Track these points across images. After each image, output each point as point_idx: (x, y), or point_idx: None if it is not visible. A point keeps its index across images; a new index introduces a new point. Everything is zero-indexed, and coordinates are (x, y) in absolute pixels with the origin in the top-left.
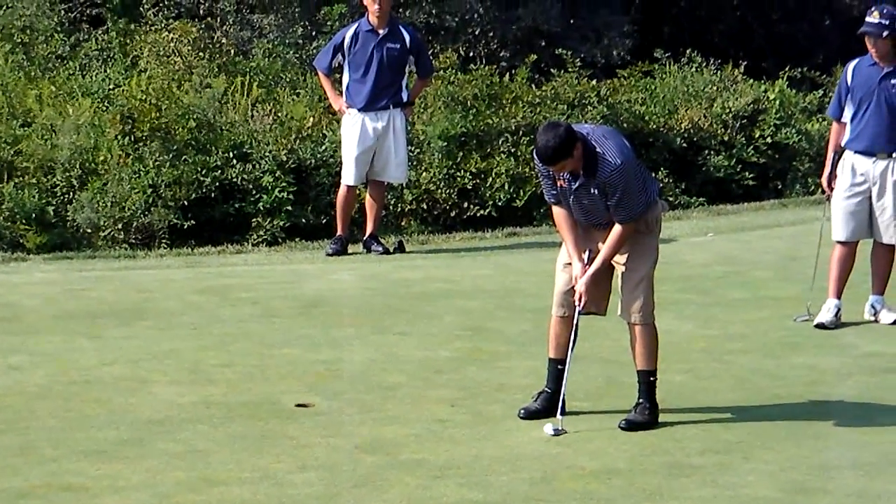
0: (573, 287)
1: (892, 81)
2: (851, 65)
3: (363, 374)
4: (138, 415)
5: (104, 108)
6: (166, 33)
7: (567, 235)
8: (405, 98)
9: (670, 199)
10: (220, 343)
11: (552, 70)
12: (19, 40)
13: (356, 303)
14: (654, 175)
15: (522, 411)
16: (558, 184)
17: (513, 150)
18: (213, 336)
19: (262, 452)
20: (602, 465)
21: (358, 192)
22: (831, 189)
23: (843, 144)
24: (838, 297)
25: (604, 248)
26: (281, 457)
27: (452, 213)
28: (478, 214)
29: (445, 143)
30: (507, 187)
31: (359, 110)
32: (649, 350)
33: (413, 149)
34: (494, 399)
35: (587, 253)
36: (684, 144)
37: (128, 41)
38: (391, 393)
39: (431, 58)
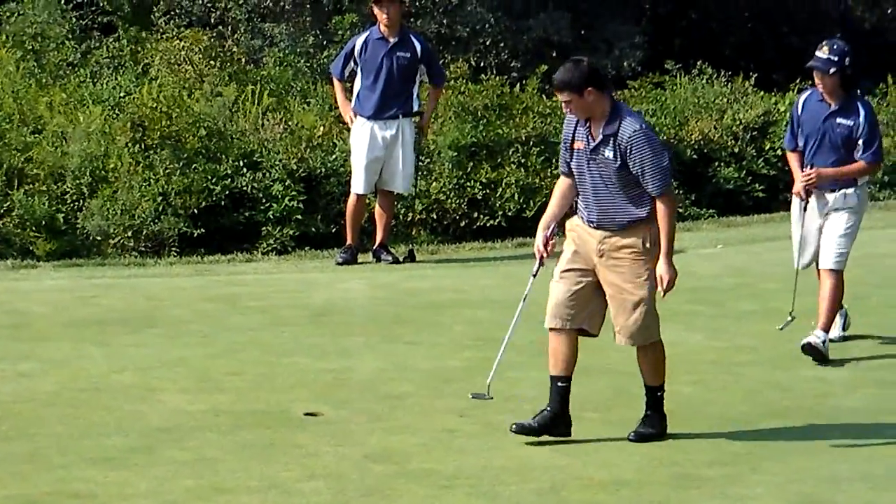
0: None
1: (838, 120)
2: (803, 96)
3: (372, 383)
4: (147, 422)
5: (115, 116)
6: (177, 41)
7: (553, 201)
8: (415, 107)
9: (680, 210)
10: (229, 351)
11: None
12: (31, 47)
13: (365, 312)
14: None
15: (515, 426)
16: (576, 146)
17: (523, 161)
18: (222, 344)
19: (271, 461)
20: (610, 475)
21: (368, 201)
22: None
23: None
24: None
25: (662, 232)
26: (289, 465)
27: (462, 223)
28: (487, 224)
29: (456, 153)
30: (517, 197)
31: (367, 118)
32: (655, 367)
33: (423, 158)
34: (503, 409)
35: (552, 227)
36: (694, 156)
37: (139, 49)
38: (400, 402)
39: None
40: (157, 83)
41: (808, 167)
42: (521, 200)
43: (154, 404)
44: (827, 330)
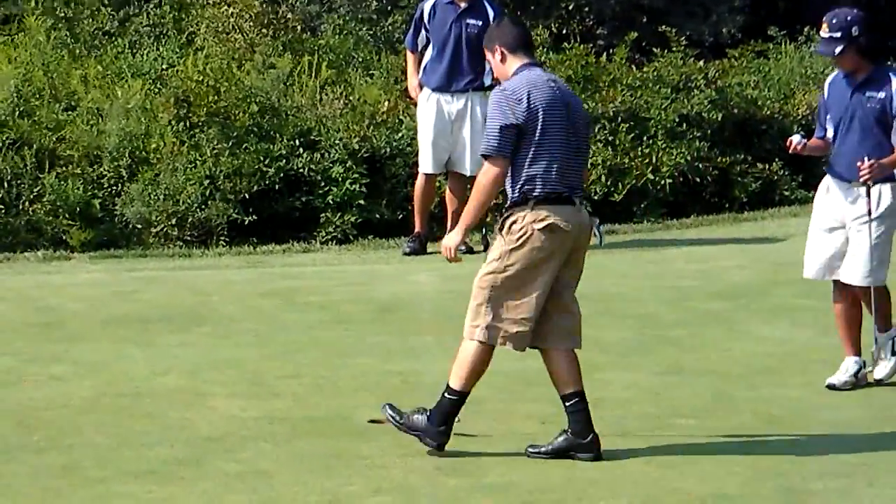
0: None
1: (867, 94)
2: (829, 78)
3: (443, 387)
4: (194, 431)
5: (156, 91)
6: (225, 7)
7: None
8: (488, 82)
9: (786, 192)
10: (286, 352)
11: (654, 49)
12: (62, 15)
13: (436, 307)
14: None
15: (530, 449)
16: None
17: (610, 139)
18: (278, 344)
19: (332, 473)
20: (710, 489)
21: (438, 183)
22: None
23: (825, 168)
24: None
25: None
26: (352, 479)
27: None
28: None
29: None
30: (603, 179)
31: (433, 90)
32: (461, 368)
33: None
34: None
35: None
36: (802, 132)
37: (183, 16)
38: (475, 408)
39: None
40: (204, 54)
41: (865, 158)
42: (608, 183)
43: (202, 411)
44: (887, 329)
